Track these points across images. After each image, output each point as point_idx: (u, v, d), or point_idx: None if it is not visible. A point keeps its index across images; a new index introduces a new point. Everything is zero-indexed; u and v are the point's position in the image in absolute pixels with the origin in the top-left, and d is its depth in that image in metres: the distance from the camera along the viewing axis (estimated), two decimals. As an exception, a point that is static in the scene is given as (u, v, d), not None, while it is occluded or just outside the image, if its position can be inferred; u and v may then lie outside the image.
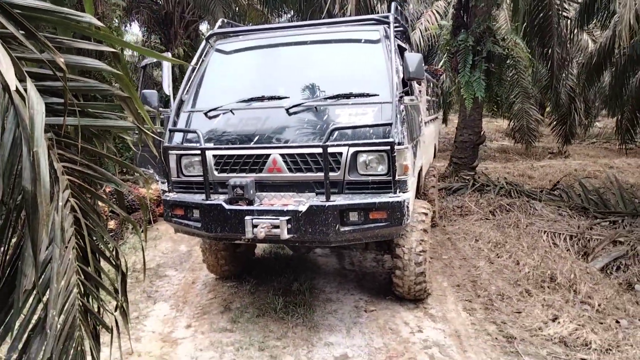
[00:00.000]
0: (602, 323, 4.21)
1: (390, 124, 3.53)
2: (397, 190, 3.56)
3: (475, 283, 4.97)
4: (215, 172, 3.89)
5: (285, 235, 3.48)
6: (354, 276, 5.17)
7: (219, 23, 4.72)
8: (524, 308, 4.41)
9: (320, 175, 3.64)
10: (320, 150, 3.58)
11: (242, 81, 4.33)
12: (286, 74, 4.27)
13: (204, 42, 4.47)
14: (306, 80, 4.14)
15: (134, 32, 19.53)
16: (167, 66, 4.33)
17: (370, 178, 3.65)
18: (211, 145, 3.83)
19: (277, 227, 3.49)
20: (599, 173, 11.86)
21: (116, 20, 10.92)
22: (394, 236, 3.89)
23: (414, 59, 3.55)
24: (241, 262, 5.05)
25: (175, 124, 4.10)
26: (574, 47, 15.11)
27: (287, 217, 3.50)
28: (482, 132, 10.50)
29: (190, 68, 4.28)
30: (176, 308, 4.48)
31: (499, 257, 5.68)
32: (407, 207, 3.57)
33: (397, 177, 3.54)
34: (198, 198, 3.84)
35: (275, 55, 4.38)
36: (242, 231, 3.58)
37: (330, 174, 3.65)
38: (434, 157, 7.49)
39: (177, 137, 4.09)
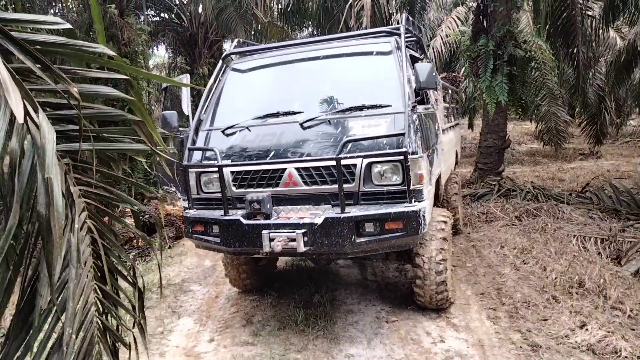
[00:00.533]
0: (633, 329, 4.08)
1: (403, 134, 3.55)
2: (413, 200, 3.57)
3: (500, 291, 4.89)
4: (234, 188, 3.98)
5: (302, 248, 3.53)
6: (375, 287, 5.17)
7: (234, 43, 4.85)
8: (551, 315, 4.32)
9: (335, 187, 3.68)
10: (334, 162, 3.63)
11: (258, 98, 4.43)
12: (300, 89, 4.35)
13: (220, 62, 4.60)
14: (320, 95, 4.20)
15: (160, 54, 20.12)
16: (185, 88, 4.48)
17: (385, 188, 3.67)
18: (228, 162, 3.93)
19: (293, 240, 3.54)
20: (633, 173, 11.50)
21: (141, 45, 11.30)
22: (411, 246, 3.88)
23: (424, 69, 3.57)
24: (263, 276, 5.12)
25: (194, 142, 4.22)
26: (601, 45, 14.77)
27: (303, 230, 3.55)
28: (507, 137, 10.35)
29: (207, 88, 4.41)
30: (200, 322, 4.57)
31: (525, 263, 5.57)
32: (423, 216, 3.57)
33: (411, 187, 3.55)
34: (217, 214, 3.94)
35: (289, 71, 4.46)
36: (260, 245, 3.65)
37: (345, 185, 3.69)
38: (456, 163, 7.43)
39: (197, 155, 4.20)
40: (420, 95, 4.82)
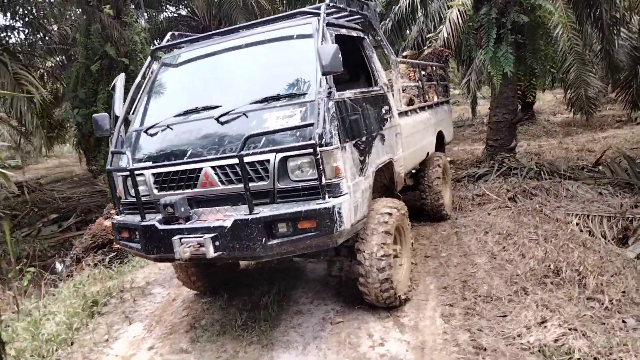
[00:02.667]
0: (604, 323, 3.63)
1: (311, 124, 3.24)
2: (327, 196, 3.26)
3: (466, 283, 4.49)
4: (156, 191, 3.80)
5: (211, 254, 3.31)
6: (336, 283, 4.88)
7: (167, 37, 4.63)
8: (512, 310, 3.90)
9: (253, 185, 3.43)
10: (248, 159, 3.39)
11: (183, 93, 4.22)
12: (222, 82, 4.10)
13: (149, 58, 4.41)
14: (241, 86, 3.94)
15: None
16: (118, 87, 4.31)
17: (301, 184, 3.38)
18: (140, 165, 3.75)
19: (203, 245, 3.33)
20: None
21: (140, 43, 11.34)
22: (329, 246, 3.57)
23: (328, 51, 3.21)
24: (217, 277, 4.93)
25: (121, 145, 4.07)
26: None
27: (212, 234, 3.34)
28: (517, 110, 9.66)
29: (134, 85, 4.23)
30: (148, 328, 4.46)
31: (505, 250, 5.12)
32: (339, 213, 3.26)
33: (324, 181, 3.24)
34: (137, 220, 3.78)
35: (212, 63, 4.21)
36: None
37: (260, 183, 3.43)
38: (443, 144, 6.95)
39: (126, 159, 4.05)
40: (370, 75, 4.47)
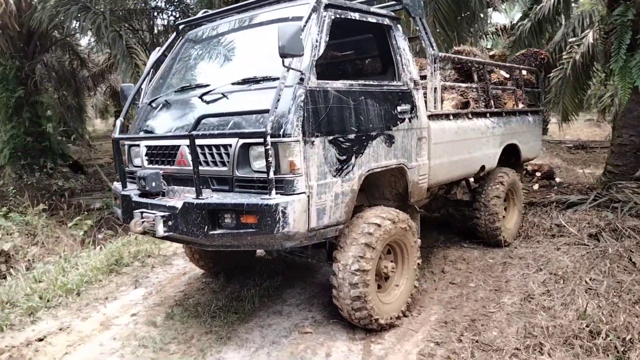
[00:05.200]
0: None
1: (266, 111, 2.94)
2: (274, 191, 2.95)
3: (474, 323, 3.78)
4: (146, 163, 3.84)
5: (160, 232, 3.22)
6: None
7: (200, 14, 4.61)
8: (506, 369, 3.18)
9: (218, 169, 3.27)
10: (214, 141, 3.24)
11: (189, 70, 4.16)
12: (220, 61, 3.95)
13: (174, 34, 4.45)
14: (234, 66, 3.77)
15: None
16: (150, 60, 4.44)
17: (256, 175, 3.11)
18: (123, 136, 3.85)
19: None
20: None
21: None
22: (274, 247, 3.23)
23: (286, 31, 2.85)
24: (227, 258, 4.86)
25: (129, 115, 4.20)
26: None
27: (165, 213, 3.25)
28: (651, 132, 7.91)
29: (152, 59, 4.31)
30: (146, 296, 4.57)
31: (548, 294, 4.21)
32: (283, 212, 2.92)
33: (272, 176, 2.92)
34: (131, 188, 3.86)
35: (219, 40, 4.05)
36: (140, 223, 3.46)
37: (220, 168, 3.25)
38: (520, 159, 5.97)
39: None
40: (394, 64, 3.97)
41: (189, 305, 4.23)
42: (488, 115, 5.10)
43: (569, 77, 10.62)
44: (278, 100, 2.95)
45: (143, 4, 13.09)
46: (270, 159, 2.89)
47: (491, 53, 6.51)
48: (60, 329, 3.95)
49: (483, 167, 5.09)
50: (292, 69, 3.03)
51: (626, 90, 7.13)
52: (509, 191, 5.56)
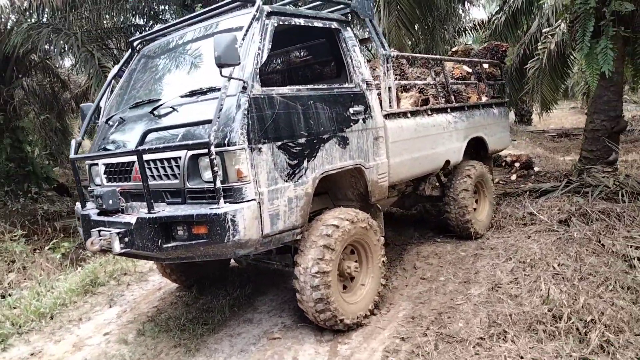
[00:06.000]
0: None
1: (209, 121, 2.97)
2: (222, 200, 2.98)
3: (441, 316, 3.81)
4: (105, 181, 3.86)
5: (116, 250, 3.23)
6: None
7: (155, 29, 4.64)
8: (470, 359, 3.20)
9: (171, 182, 3.30)
10: (163, 155, 3.27)
11: (143, 86, 4.19)
12: (170, 75, 3.99)
13: (129, 50, 4.48)
14: (183, 79, 3.80)
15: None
16: (108, 78, 4.47)
17: (206, 186, 3.14)
18: (79, 156, 3.88)
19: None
20: None
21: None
22: (227, 256, 3.25)
23: (221, 41, 2.89)
24: (199, 270, 4.87)
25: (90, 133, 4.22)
26: None
27: (120, 230, 3.27)
28: (621, 116, 7.99)
29: (110, 75, 4.34)
30: (120, 314, 4.58)
31: (515, 282, 4.25)
32: (232, 220, 2.94)
33: (218, 185, 2.94)
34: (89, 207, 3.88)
35: (169, 54, 4.11)
36: (98, 242, 3.48)
37: (172, 181, 3.28)
38: (487, 151, 6.01)
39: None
40: (349, 69, 4.02)
41: (160, 320, 4.23)
42: (449, 110, 5.15)
43: (545, 67, 10.68)
44: (220, 109, 2.98)
45: (121, 24, 13.13)
46: (216, 168, 2.93)
47: (454, 49, 6.57)
48: (32, 354, 3.95)
49: (448, 162, 5.14)
50: (233, 78, 3.06)
51: (594, 77, 7.22)
52: (479, 183, 5.61)
